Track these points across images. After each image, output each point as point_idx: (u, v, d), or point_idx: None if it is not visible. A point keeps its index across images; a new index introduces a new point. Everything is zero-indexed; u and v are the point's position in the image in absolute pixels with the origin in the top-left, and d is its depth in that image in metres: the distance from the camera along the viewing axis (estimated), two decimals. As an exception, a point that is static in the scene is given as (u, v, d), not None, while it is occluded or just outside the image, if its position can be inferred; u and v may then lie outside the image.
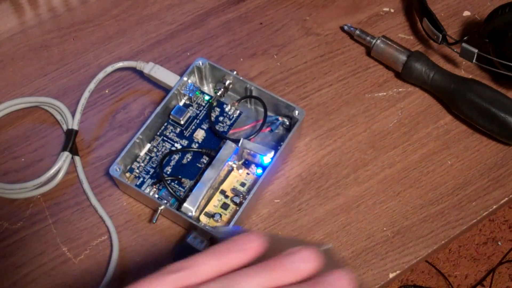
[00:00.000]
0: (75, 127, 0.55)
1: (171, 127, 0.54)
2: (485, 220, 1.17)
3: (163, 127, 0.54)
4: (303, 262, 0.28)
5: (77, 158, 0.54)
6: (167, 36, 0.61)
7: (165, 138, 0.54)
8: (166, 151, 0.53)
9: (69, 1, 0.63)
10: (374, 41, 0.58)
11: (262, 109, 0.54)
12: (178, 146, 0.54)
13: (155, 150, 0.53)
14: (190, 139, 0.54)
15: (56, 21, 0.62)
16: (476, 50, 0.55)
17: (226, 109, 0.55)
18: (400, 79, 0.59)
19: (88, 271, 0.50)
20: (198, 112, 0.55)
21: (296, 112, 0.52)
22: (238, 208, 0.49)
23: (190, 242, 0.48)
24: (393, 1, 0.63)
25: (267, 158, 0.51)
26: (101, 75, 0.57)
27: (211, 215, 0.50)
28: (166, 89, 0.56)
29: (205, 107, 0.56)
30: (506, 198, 0.53)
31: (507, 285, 1.31)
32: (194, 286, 0.28)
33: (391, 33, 0.61)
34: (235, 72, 0.55)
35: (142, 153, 0.53)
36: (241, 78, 0.54)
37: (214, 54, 0.60)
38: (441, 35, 0.57)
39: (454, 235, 0.51)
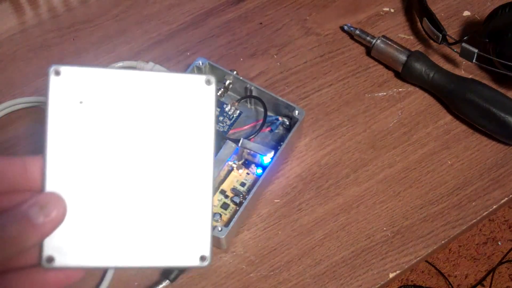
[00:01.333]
0: (75, 127, 0.55)
1: (171, 127, 0.54)
2: (485, 220, 1.17)
3: (163, 127, 0.54)
4: None
5: (77, 158, 0.54)
6: (167, 36, 0.61)
7: (165, 138, 0.54)
8: (166, 151, 0.53)
9: (69, 1, 0.63)
10: (374, 41, 0.58)
11: (262, 109, 0.54)
12: (178, 146, 0.54)
13: (155, 150, 0.53)
14: (190, 139, 0.54)
15: (56, 21, 0.62)
16: (476, 50, 0.55)
17: (226, 109, 0.55)
18: (400, 79, 0.59)
19: (88, 271, 0.50)
20: (198, 112, 0.55)
21: (296, 112, 0.52)
22: (238, 208, 0.49)
23: (190, 242, 0.48)
24: (393, 1, 0.63)
25: (267, 158, 0.51)
26: (101, 75, 0.57)
27: (211, 215, 0.50)
28: (166, 89, 0.56)
29: (205, 107, 0.55)
30: (506, 198, 0.53)
31: (507, 285, 1.31)
32: None
33: (391, 33, 0.61)
34: (235, 72, 0.55)
35: (142, 153, 0.53)
36: (241, 78, 0.54)
37: (214, 54, 0.60)
38: (441, 35, 0.57)
39: (454, 235, 0.51)
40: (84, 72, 0.36)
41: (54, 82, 0.36)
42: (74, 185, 0.36)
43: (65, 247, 0.35)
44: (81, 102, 0.36)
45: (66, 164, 0.36)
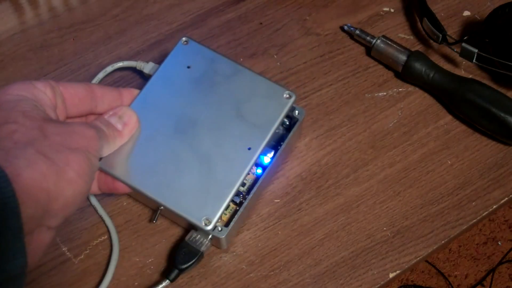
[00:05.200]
0: (75, 127, 0.55)
1: (171, 127, 0.55)
2: (485, 220, 1.17)
3: (163, 127, 0.55)
4: None
5: (77, 158, 0.54)
6: (167, 36, 0.61)
7: (165, 138, 0.54)
8: (166, 151, 0.53)
9: (69, 1, 0.63)
10: (374, 41, 0.58)
11: (262, 109, 0.54)
12: (178, 146, 0.54)
13: (155, 150, 0.53)
14: (190, 139, 0.54)
15: (56, 21, 0.62)
16: (476, 50, 0.55)
17: (226, 109, 0.55)
18: (400, 79, 0.59)
19: (88, 271, 0.50)
20: (198, 112, 0.55)
21: (296, 112, 0.52)
22: (238, 208, 0.49)
23: (189, 242, 0.48)
24: (393, 1, 0.63)
25: (267, 158, 0.51)
26: (101, 75, 0.57)
27: (211, 215, 0.50)
28: (166, 89, 0.56)
29: (205, 107, 0.56)
30: (506, 198, 0.53)
31: (507, 285, 1.31)
32: None
33: (391, 33, 0.61)
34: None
35: (142, 153, 0.54)
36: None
37: (214, 54, 0.60)
38: (441, 35, 0.57)
39: (454, 235, 0.51)
40: (202, 50, 0.52)
41: (180, 47, 0.52)
42: (148, 116, 0.48)
43: (112, 157, 0.46)
44: (188, 67, 0.50)
45: (152, 100, 0.49)
